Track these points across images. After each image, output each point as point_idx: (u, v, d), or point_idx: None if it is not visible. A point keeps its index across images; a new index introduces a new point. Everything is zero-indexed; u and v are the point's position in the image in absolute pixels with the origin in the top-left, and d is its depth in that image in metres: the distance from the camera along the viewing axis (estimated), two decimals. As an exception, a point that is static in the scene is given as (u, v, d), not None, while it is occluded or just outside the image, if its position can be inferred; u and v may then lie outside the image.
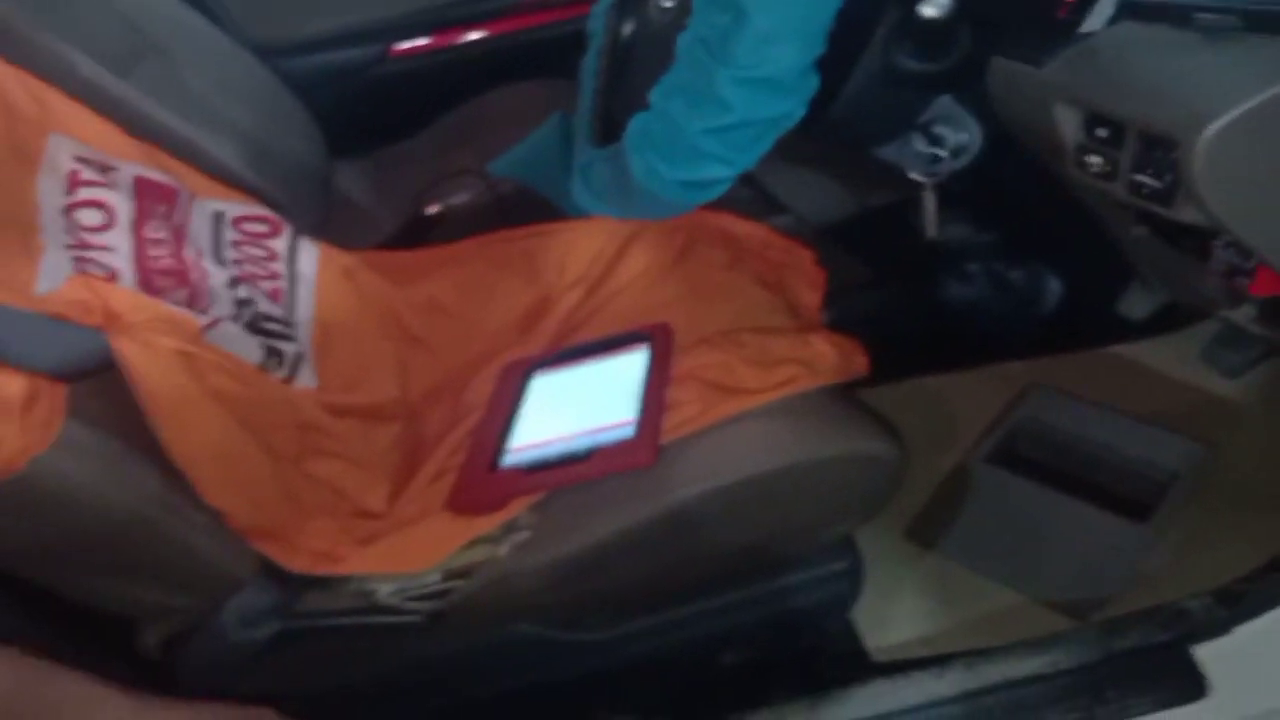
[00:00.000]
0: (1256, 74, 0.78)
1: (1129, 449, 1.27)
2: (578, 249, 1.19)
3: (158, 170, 1.10)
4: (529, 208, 1.24)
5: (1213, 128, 0.77)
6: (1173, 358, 1.38)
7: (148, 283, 0.97)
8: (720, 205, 1.13)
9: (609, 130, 1.04)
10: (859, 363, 1.10)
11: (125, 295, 0.93)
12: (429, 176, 1.49)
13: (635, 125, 0.95)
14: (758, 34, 0.84)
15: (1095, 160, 0.91)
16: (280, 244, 1.15)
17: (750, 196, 1.41)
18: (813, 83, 0.89)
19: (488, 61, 1.72)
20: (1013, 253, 1.42)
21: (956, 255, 1.42)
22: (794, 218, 1.40)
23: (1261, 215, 0.84)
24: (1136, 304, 1.31)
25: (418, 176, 1.52)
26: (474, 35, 1.70)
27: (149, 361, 0.89)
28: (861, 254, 1.43)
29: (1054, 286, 1.40)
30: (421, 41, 1.69)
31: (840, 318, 1.31)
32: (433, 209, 1.45)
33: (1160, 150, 0.84)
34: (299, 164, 1.54)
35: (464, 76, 1.68)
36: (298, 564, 0.97)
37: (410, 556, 0.99)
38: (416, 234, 1.43)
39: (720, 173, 0.92)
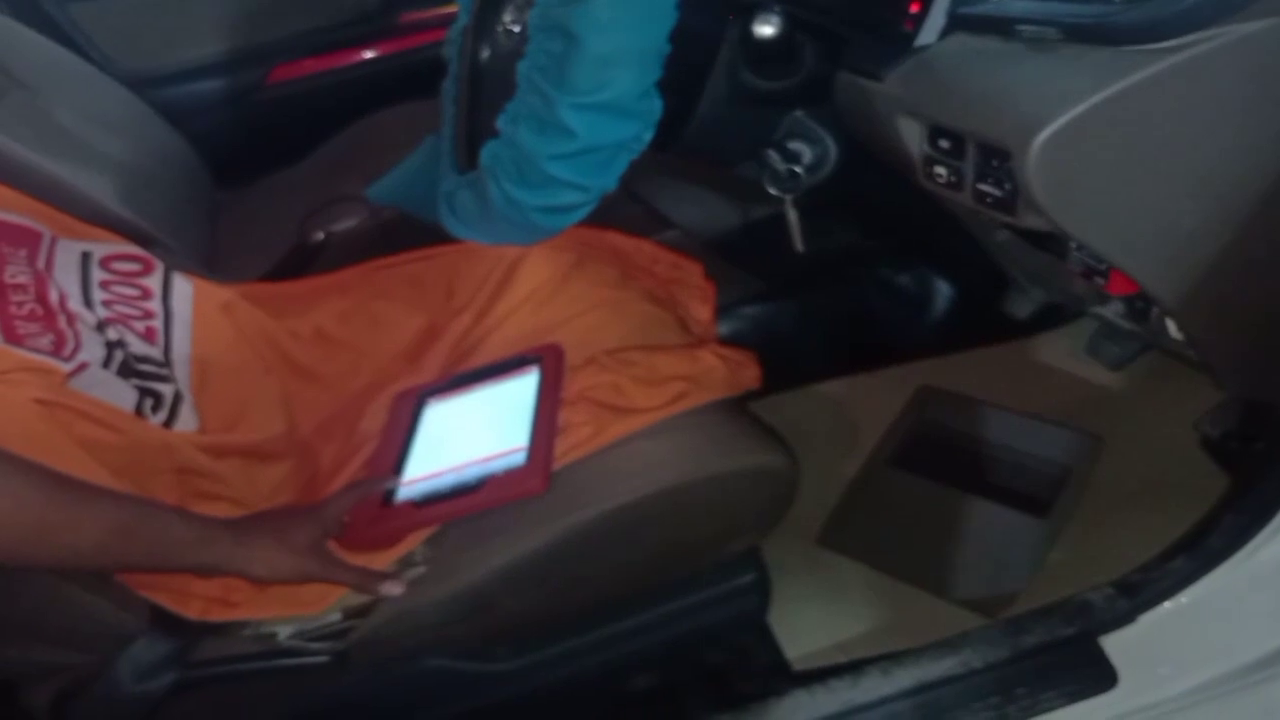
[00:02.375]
0: (1078, 83, 0.80)
1: (1023, 445, 1.29)
2: (464, 273, 1.17)
3: (17, 213, 1.06)
4: (414, 232, 1.22)
5: (1041, 137, 0.79)
6: (1059, 353, 1.41)
7: (9, 330, 0.93)
8: (608, 222, 1.12)
9: (471, 156, 1.03)
10: (750, 375, 1.10)
11: (-17, 346, 0.89)
12: (314, 203, 1.47)
13: (487, 153, 0.94)
14: (593, 59, 0.84)
15: (941, 171, 0.93)
16: (154, 281, 1.11)
17: (637, 212, 1.41)
18: (655, 105, 0.89)
19: (370, 84, 1.71)
20: (900, 258, 1.44)
21: (844, 263, 1.44)
22: (681, 232, 1.41)
23: (1096, 219, 0.85)
24: (1021, 302, 1.33)
25: (303, 203, 1.49)
26: (354, 58, 1.69)
27: (7, 413, 0.86)
28: (750, 265, 1.43)
29: (943, 289, 1.42)
30: (301, 66, 1.67)
31: (735, 330, 1.31)
32: (316, 236, 1.42)
33: (998, 160, 0.85)
34: (179, 196, 1.50)
35: (347, 100, 1.66)
36: (191, 611, 0.95)
37: (306, 597, 0.97)
38: (300, 262, 1.40)
39: (576, 198, 0.92)
